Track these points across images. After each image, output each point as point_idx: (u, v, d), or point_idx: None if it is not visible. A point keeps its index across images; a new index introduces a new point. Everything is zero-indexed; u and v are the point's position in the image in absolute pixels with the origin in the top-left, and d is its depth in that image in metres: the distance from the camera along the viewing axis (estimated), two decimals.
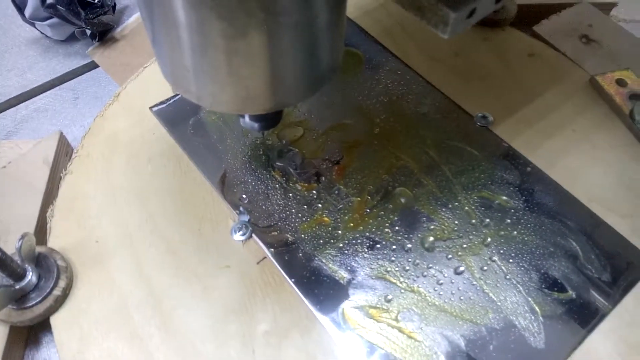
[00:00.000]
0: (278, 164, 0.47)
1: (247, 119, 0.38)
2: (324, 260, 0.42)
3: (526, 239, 0.42)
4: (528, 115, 0.51)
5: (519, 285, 0.40)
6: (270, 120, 0.38)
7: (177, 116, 0.50)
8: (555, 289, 0.40)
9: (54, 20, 0.61)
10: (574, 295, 0.40)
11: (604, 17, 0.62)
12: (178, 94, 0.52)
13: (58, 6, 0.58)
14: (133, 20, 0.67)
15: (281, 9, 0.25)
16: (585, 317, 0.39)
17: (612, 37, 0.60)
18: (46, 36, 0.66)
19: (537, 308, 0.39)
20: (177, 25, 0.26)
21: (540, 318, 0.38)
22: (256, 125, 0.38)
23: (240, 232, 0.43)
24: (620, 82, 0.53)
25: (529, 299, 0.39)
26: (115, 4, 0.65)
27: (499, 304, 0.39)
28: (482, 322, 0.38)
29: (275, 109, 0.31)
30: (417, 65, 0.55)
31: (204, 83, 0.29)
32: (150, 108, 0.51)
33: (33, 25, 0.63)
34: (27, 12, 0.61)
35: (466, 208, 0.44)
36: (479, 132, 0.50)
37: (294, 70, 0.29)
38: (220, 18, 0.25)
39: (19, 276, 0.38)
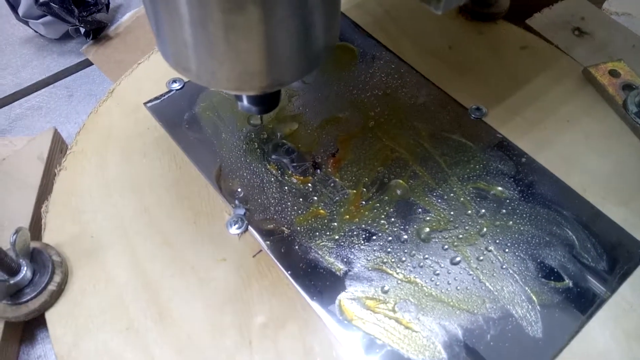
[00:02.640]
0: (273, 157, 0.47)
1: (245, 102, 0.38)
2: (320, 252, 0.41)
3: (522, 228, 0.42)
4: (521, 107, 0.51)
5: (515, 275, 0.40)
6: (268, 102, 0.38)
7: (172, 112, 0.50)
8: (552, 278, 0.40)
9: (48, 18, 0.61)
10: (570, 284, 0.40)
11: (596, 10, 0.63)
12: (172, 91, 0.52)
13: (52, 4, 0.58)
14: (127, 18, 0.67)
15: None
16: (582, 305, 0.39)
17: (605, 29, 0.60)
18: (40, 35, 0.65)
19: (534, 297, 0.39)
20: (175, 1, 0.26)
21: (538, 307, 0.38)
22: (254, 108, 0.38)
23: (236, 226, 0.43)
24: (613, 73, 0.53)
25: (526, 288, 0.39)
26: (109, 2, 0.65)
27: (495, 293, 0.39)
28: (479, 311, 0.38)
29: (272, 86, 0.32)
30: (410, 59, 0.55)
31: (203, 60, 0.29)
32: (145, 104, 0.51)
33: (27, 23, 0.63)
34: (21, 10, 0.61)
35: (462, 199, 0.44)
36: (473, 123, 0.50)
37: (291, 46, 0.29)
38: None
39: (14, 271, 0.38)
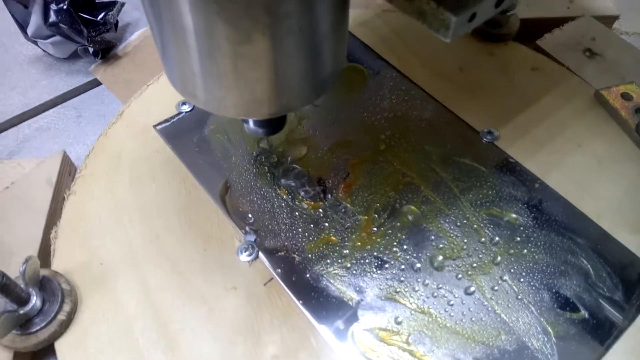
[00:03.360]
0: (283, 182, 0.47)
1: (251, 124, 0.38)
2: (331, 281, 0.41)
3: (536, 257, 0.42)
4: (533, 130, 0.51)
5: (530, 305, 0.39)
6: (274, 125, 0.38)
7: (181, 134, 0.50)
8: (568, 308, 0.39)
9: (57, 38, 0.61)
10: (586, 315, 0.39)
11: (607, 30, 0.62)
12: (181, 113, 0.52)
13: (60, 24, 0.58)
14: (135, 37, 0.67)
15: (285, 14, 0.26)
16: (599, 336, 0.38)
17: (616, 50, 0.60)
18: (49, 54, 0.65)
19: (549, 329, 0.38)
20: (184, 31, 0.26)
21: (553, 339, 0.38)
22: (260, 130, 0.38)
23: (247, 253, 0.42)
24: (626, 96, 0.53)
25: (542, 319, 0.39)
26: (117, 22, 0.65)
27: (511, 324, 0.39)
28: (494, 343, 0.38)
29: (280, 113, 0.32)
30: (421, 81, 0.55)
31: (211, 88, 0.30)
32: (154, 126, 0.51)
33: (35, 43, 0.63)
34: (30, 30, 0.61)
35: (475, 226, 0.44)
36: (485, 147, 0.49)
37: (299, 74, 0.30)
38: (227, 23, 0.25)
39: (23, 301, 0.38)
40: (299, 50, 0.28)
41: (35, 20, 0.60)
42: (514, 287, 0.40)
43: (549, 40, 0.60)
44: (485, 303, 0.40)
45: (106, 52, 0.64)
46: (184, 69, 0.29)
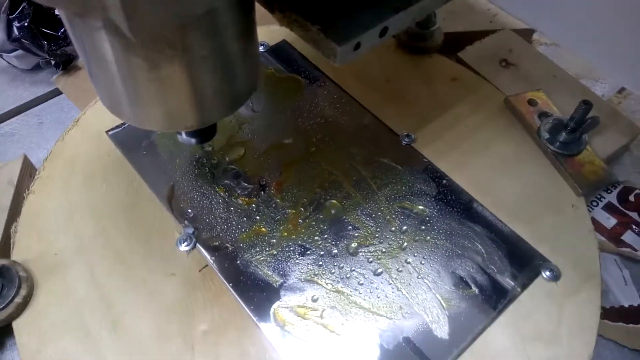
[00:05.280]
0: (222, 181, 0.53)
1: (183, 135, 0.41)
2: (259, 266, 0.47)
3: (438, 242, 0.48)
4: (446, 133, 0.57)
5: (429, 284, 0.46)
6: (203, 134, 0.41)
7: (131, 139, 0.55)
8: (461, 286, 0.46)
9: (20, 52, 0.66)
10: (477, 292, 0.45)
11: (524, 43, 0.69)
12: None
13: (23, 40, 0.63)
14: None
15: (187, 46, 0.30)
16: (485, 311, 0.44)
17: (530, 60, 0.66)
18: (13, 66, 0.70)
19: (444, 303, 0.44)
20: (103, 61, 0.30)
21: (446, 312, 0.44)
22: (193, 140, 0.41)
23: (185, 243, 0.48)
24: (531, 102, 0.59)
25: (437, 295, 0.45)
26: None
27: (410, 300, 0.45)
28: (395, 316, 0.44)
29: (199, 126, 0.36)
30: (352, 90, 0.61)
31: (133, 107, 0.33)
32: (107, 132, 0.56)
33: (0, 56, 0.68)
34: None
35: (387, 217, 0.50)
36: (403, 149, 0.56)
37: (210, 93, 0.34)
38: (136, 55, 0.29)
39: None
40: (205, 74, 0.32)
41: None
42: (416, 268, 0.46)
43: (469, 52, 0.67)
44: (390, 282, 0.46)
45: (67, 64, 0.69)
46: (109, 91, 0.33)
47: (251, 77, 0.37)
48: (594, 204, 0.58)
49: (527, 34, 0.72)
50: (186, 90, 0.32)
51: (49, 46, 0.65)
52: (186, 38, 0.29)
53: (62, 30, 0.66)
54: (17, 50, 0.66)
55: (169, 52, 0.30)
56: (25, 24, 0.63)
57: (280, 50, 0.66)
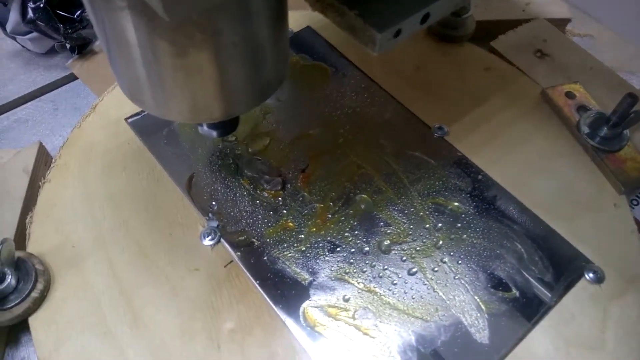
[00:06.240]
0: (246, 172, 0.50)
1: (204, 126, 0.40)
2: (287, 263, 0.44)
3: (475, 241, 0.46)
4: (481, 126, 0.54)
5: (466, 285, 0.43)
6: (226, 127, 0.40)
7: (151, 127, 0.53)
8: (501, 288, 0.43)
9: (35, 34, 0.64)
10: (517, 294, 0.43)
11: (558, 33, 0.66)
12: None
13: (38, 22, 0.61)
14: None
15: (217, 31, 0.28)
16: (527, 314, 0.42)
17: (565, 51, 0.64)
18: (27, 49, 0.68)
19: (482, 306, 0.42)
20: (127, 45, 0.28)
21: (486, 315, 0.42)
22: (214, 132, 0.40)
23: (209, 237, 0.46)
24: (569, 95, 0.57)
25: (476, 297, 0.42)
26: None
27: (447, 302, 0.42)
28: (431, 319, 0.41)
29: (224, 118, 0.34)
30: (380, 79, 0.58)
31: (155, 95, 0.32)
32: (126, 119, 0.54)
33: (14, 39, 0.66)
34: (9, 27, 0.64)
35: (421, 213, 0.48)
36: (435, 142, 0.53)
37: (238, 83, 0.32)
38: (163, 39, 0.27)
39: None
40: (234, 62, 0.30)
41: (13, 17, 0.62)
42: (453, 268, 0.44)
43: (502, 42, 0.64)
44: (426, 283, 0.43)
45: (82, 48, 0.66)
46: (130, 78, 0.31)
47: (281, 66, 0.35)
48: (634, 202, 0.55)
49: (561, 24, 0.69)
50: (214, 78, 0.30)
51: (65, 29, 0.62)
52: (218, 21, 0.27)
53: (78, 12, 0.64)
54: (31, 32, 0.64)
55: (199, 37, 0.28)
56: (41, 5, 0.60)
57: (304, 37, 0.63)
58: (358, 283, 0.43)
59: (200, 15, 0.27)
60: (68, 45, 0.64)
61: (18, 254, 0.44)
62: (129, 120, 0.54)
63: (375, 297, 0.43)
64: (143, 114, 0.54)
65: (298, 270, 0.44)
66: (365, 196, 0.49)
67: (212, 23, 0.27)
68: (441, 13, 0.34)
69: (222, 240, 0.46)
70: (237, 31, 0.29)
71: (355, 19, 0.31)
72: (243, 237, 0.46)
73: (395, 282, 0.43)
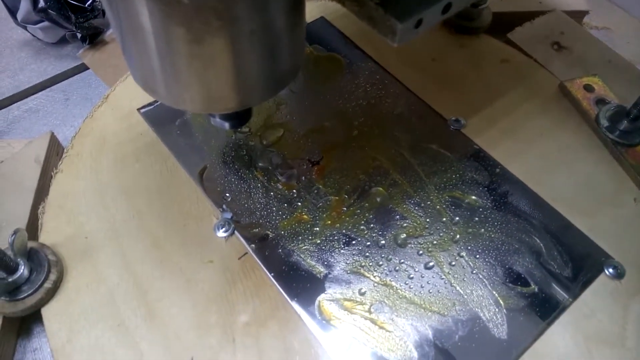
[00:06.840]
0: (260, 164, 0.50)
1: (217, 117, 0.39)
2: (302, 256, 0.44)
3: (493, 236, 0.45)
4: (498, 119, 0.53)
5: (484, 280, 0.42)
6: (238, 118, 0.39)
7: (164, 117, 0.53)
8: (519, 283, 0.42)
9: (46, 23, 0.63)
10: (536, 290, 0.42)
11: (576, 25, 0.65)
12: None
13: (49, 10, 0.60)
14: None
15: (235, 18, 0.27)
16: (546, 309, 0.41)
17: (583, 44, 0.63)
18: (38, 39, 0.67)
19: (501, 301, 0.41)
20: (140, 31, 0.28)
21: (504, 310, 0.41)
22: (226, 124, 0.39)
23: (223, 229, 0.45)
24: (588, 88, 0.56)
25: (494, 292, 0.42)
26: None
27: (465, 296, 0.42)
28: (448, 313, 0.41)
29: (238, 108, 0.33)
30: (395, 70, 0.58)
31: (168, 84, 0.31)
32: (138, 110, 0.53)
33: (25, 28, 0.65)
34: (20, 15, 0.63)
35: (437, 207, 0.47)
36: (451, 134, 0.52)
37: (253, 73, 0.31)
38: (179, 25, 0.27)
39: (12, 270, 0.40)
40: (251, 51, 0.29)
41: (24, 5, 0.62)
42: (470, 262, 0.43)
43: (519, 34, 0.63)
44: (443, 277, 0.43)
45: (94, 38, 0.66)
46: (143, 66, 0.31)
47: (297, 57, 0.35)
48: None
49: (578, 16, 0.68)
50: (229, 68, 0.30)
51: (76, 18, 0.62)
52: (236, 7, 0.26)
53: (90, 2, 0.63)
54: (42, 21, 0.63)
55: (216, 24, 0.27)
56: None
57: (318, 28, 0.63)
58: (374, 277, 0.43)
59: (219, 0, 0.26)
60: (79, 35, 0.64)
61: (31, 244, 0.43)
62: (142, 110, 0.53)
63: (391, 291, 0.42)
64: (156, 104, 0.54)
65: (313, 263, 0.44)
66: (381, 189, 0.48)
67: (229, 9, 0.26)
68: (463, 3, 0.33)
69: (236, 232, 0.45)
70: (255, 19, 0.28)
71: (375, 9, 0.30)
72: (257, 229, 0.45)
73: (411, 276, 0.43)
